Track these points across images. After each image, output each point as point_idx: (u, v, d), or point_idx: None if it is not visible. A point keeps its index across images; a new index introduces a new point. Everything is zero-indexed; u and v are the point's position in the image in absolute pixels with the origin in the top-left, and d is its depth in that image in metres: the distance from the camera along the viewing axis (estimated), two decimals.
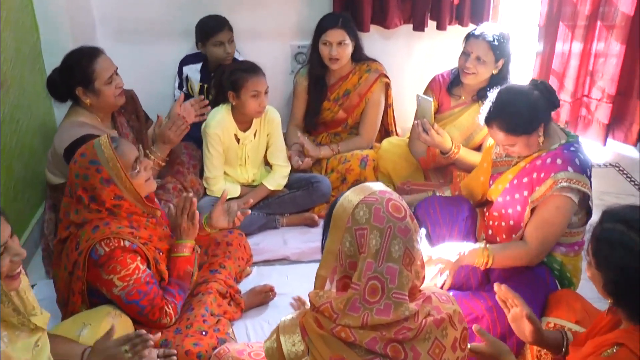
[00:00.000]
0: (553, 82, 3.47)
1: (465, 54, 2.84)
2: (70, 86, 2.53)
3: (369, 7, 3.35)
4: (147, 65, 3.49)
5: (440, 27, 3.38)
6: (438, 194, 2.78)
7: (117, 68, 2.61)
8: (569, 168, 2.18)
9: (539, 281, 2.28)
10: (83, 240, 2.03)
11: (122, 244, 2.03)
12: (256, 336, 2.37)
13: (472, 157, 2.90)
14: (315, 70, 3.23)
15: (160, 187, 2.83)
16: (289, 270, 2.78)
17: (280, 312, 2.41)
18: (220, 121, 2.89)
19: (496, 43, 2.76)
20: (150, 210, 2.19)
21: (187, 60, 3.40)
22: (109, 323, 2.03)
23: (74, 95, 2.56)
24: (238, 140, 2.95)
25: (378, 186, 1.61)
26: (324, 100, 3.29)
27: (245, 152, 2.99)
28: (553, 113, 2.30)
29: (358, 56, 3.23)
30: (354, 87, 3.25)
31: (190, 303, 2.31)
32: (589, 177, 2.21)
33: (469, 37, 2.84)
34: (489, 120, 2.25)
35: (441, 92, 3.03)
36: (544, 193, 2.19)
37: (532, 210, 2.24)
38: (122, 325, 2.08)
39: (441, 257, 2.23)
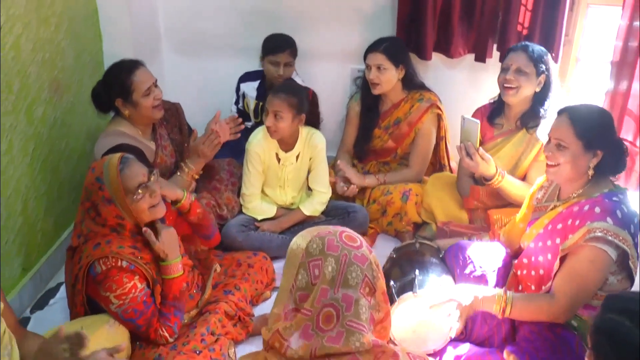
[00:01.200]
0: (629, 124, 3.14)
1: (504, 69, 2.72)
2: (110, 97, 2.62)
3: (432, 35, 3.20)
4: (207, 79, 3.56)
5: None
6: (476, 240, 2.60)
7: (156, 80, 2.66)
8: (608, 219, 1.96)
9: (566, 347, 2.05)
10: (84, 255, 2.07)
11: (119, 263, 2.04)
12: None
13: (518, 187, 2.72)
14: (367, 96, 3.14)
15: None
16: None
17: None
18: (261, 139, 2.87)
19: (535, 55, 2.64)
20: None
21: (245, 77, 3.41)
22: (105, 331, 2.07)
23: (114, 107, 2.64)
24: (279, 160, 2.92)
25: (330, 225, 1.63)
26: (375, 128, 3.19)
27: (285, 174, 2.95)
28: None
29: (410, 84, 3.11)
30: (405, 116, 3.12)
31: (194, 322, 2.30)
32: (633, 235, 1.98)
33: (507, 52, 2.74)
34: (562, 110, 2.15)
35: (483, 123, 2.86)
36: (577, 241, 2.00)
37: (562, 260, 2.04)
38: (120, 335, 2.12)
39: (453, 298, 2.07)
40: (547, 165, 2.20)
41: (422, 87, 3.16)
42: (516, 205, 2.61)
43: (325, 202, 3.01)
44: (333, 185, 3.07)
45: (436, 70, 3.35)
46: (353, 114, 3.24)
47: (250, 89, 3.40)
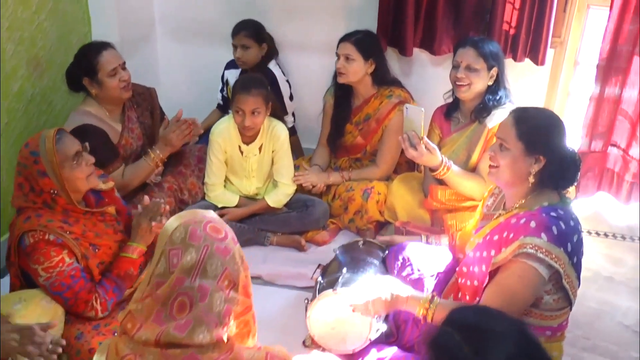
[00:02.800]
0: (622, 129, 2.97)
1: (455, 67, 2.69)
2: (78, 76, 2.71)
3: (413, 30, 3.12)
4: (199, 66, 3.62)
5: None
6: (435, 242, 2.54)
7: (123, 62, 2.73)
8: (543, 235, 1.86)
9: None
10: (16, 228, 2.15)
11: (46, 236, 2.10)
12: None
13: (467, 178, 2.67)
14: (338, 89, 3.10)
15: (157, 184, 2.92)
16: (257, 290, 2.66)
17: None
18: (223, 130, 2.90)
19: (485, 49, 2.62)
20: (85, 206, 2.25)
21: (230, 64, 3.46)
22: (41, 305, 2.15)
23: (82, 86, 2.74)
24: (242, 152, 2.94)
25: (206, 212, 1.58)
26: (347, 123, 3.14)
27: (249, 165, 2.96)
28: None
29: (380, 80, 3.04)
30: (374, 113, 3.06)
31: (124, 302, 2.35)
32: (570, 253, 1.87)
33: (456, 48, 2.72)
34: (512, 111, 2.05)
35: (441, 119, 2.85)
36: (507, 256, 1.90)
37: (494, 273, 1.96)
38: (53, 311, 2.16)
39: (373, 294, 2.02)
40: (489, 166, 2.11)
41: (394, 83, 3.08)
42: (474, 209, 2.53)
43: (290, 194, 3.01)
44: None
45: (420, 67, 3.27)
46: (328, 106, 3.22)
47: (233, 76, 3.44)
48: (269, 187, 3.07)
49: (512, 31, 3.00)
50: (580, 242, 1.94)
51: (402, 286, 2.09)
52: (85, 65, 2.69)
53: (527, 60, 3.04)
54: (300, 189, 3.05)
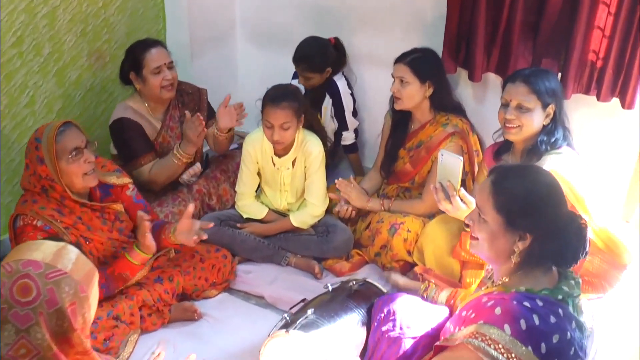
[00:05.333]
0: None
1: (503, 106, 2.30)
2: (127, 70, 2.78)
3: (483, 53, 2.72)
4: (272, 69, 3.53)
5: (565, 94, 2.53)
6: (424, 296, 2.20)
7: (170, 62, 2.75)
8: (505, 328, 1.49)
9: None
10: (15, 208, 2.26)
11: (34, 222, 2.18)
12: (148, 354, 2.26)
13: None
14: (395, 111, 2.81)
15: (188, 186, 2.90)
16: (253, 310, 2.55)
17: (205, 344, 2.31)
18: (255, 140, 2.77)
19: (539, 86, 2.24)
20: (88, 199, 2.29)
21: (296, 74, 3.32)
22: None
23: (129, 80, 2.79)
24: (274, 164, 2.80)
25: (39, 254, 1.43)
26: (401, 148, 2.85)
27: (282, 178, 2.81)
28: None
29: (439, 104, 2.72)
30: (427, 140, 2.74)
31: (101, 302, 2.33)
32: (543, 356, 1.47)
33: (505, 83, 2.35)
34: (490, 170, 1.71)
35: (490, 160, 2.47)
36: (459, 338, 1.58)
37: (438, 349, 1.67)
38: None
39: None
40: (469, 236, 1.76)
41: (454, 110, 2.74)
42: None
43: (317, 215, 2.81)
44: (338, 200, 2.83)
45: (495, 94, 2.85)
46: (386, 128, 2.95)
47: (298, 85, 3.31)
48: (301, 205, 2.89)
49: (599, 63, 2.48)
50: (568, 344, 1.50)
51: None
52: (133, 60, 2.75)
53: (614, 100, 2.50)
54: (330, 207, 2.83)
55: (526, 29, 2.62)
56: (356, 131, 3.30)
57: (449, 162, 2.22)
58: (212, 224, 2.38)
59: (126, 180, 2.50)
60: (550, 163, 2.21)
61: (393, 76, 2.71)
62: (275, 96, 2.61)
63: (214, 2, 3.41)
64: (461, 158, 2.19)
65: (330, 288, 2.26)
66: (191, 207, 2.32)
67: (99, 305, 2.24)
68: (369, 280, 2.32)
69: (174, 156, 2.76)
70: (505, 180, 1.62)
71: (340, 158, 3.48)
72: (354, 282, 2.26)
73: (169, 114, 2.89)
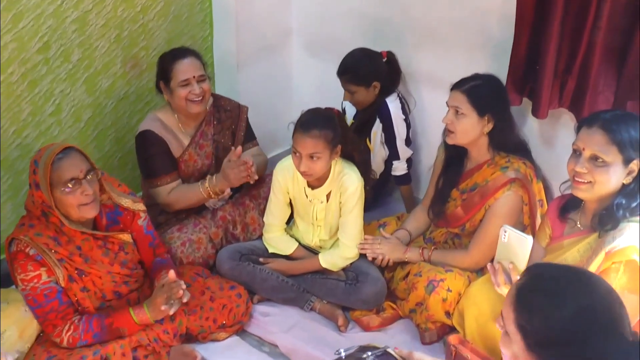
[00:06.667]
0: None
1: (575, 155, 1.86)
2: (157, 80, 2.58)
3: (550, 85, 2.27)
4: (327, 81, 3.22)
5: None
6: None
7: (200, 75, 2.51)
8: None
9: None
10: (14, 230, 2.11)
11: (27, 249, 2.03)
12: None
13: None
14: (449, 146, 2.43)
15: (212, 211, 2.66)
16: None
17: None
18: (286, 168, 2.47)
19: (622, 134, 1.78)
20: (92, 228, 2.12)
21: None
22: (20, 311, 2.14)
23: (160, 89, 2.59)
24: (307, 196, 2.49)
25: None
26: (454, 188, 2.46)
27: (315, 212, 2.50)
28: None
29: (499, 143, 2.31)
30: (482, 183, 2.33)
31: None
32: None
33: (579, 126, 1.91)
34: None
35: (554, 215, 2.05)
36: None
37: None
38: (29, 322, 2.14)
39: None
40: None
41: (517, 150, 2.32)
42: None
43: (350, 258, 2.47)
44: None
45: (567, 132, 2.40)
46: (438, 162, 2.56)
47: (350, 106, 2.98)
48: (334, 244, 2.56)
49: None
50: None
51: None
52: (162, 70, 2.55)
53: None
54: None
55: (610, 57, 2.15)
56: (409, 161, 2.92)
57: (514, 241, 1.85)
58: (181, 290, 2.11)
59: (140, 207, 2.29)
60: (628, 236, 1.77)
61: (447, 105, 2.33)
62: (306, 122, 2.29)
63: (264, 10, 3.14)
64: (530, 237, 1.82)
65: (343, 355, 1.93)
66: (171, 277, 2.13)
67: (89, 346, 2.08)
68: (389, 350, 1.96)
69: (202, 186, 2.52)
70: (536, 295, 1.23)
71: (391, 188, 3.13)
72: (370, 354, 1.91)
73: (200, 130, 2.64)
